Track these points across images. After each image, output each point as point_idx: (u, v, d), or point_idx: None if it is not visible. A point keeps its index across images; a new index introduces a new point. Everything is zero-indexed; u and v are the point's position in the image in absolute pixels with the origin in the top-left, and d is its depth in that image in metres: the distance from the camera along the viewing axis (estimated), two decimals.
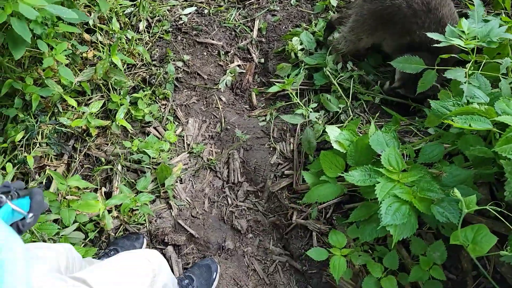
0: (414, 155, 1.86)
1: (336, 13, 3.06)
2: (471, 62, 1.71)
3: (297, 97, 2.46)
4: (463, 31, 1.74)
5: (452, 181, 1.63)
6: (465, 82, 1.64)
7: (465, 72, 1.68)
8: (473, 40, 1.70)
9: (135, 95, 2.84)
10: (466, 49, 1.72)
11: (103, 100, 2.72)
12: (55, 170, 2.49)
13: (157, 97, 2.98)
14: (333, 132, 1.91)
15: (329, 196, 1.94)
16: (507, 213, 1.38)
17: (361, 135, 1.94)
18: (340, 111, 2.44)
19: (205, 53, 3.25)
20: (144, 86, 2.97)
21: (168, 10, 3.43)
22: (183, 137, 2.81)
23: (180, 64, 3.15)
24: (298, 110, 2.36)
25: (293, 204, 2.40)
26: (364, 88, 2.61)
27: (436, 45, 1.88)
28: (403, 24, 2.34)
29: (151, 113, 2.83)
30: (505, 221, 1.36)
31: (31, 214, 1.05)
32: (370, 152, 1.82)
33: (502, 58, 1.93)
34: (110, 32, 2.97)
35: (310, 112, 2.34)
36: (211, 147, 2.78)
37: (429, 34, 1.85)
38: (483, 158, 1.58)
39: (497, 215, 1.34)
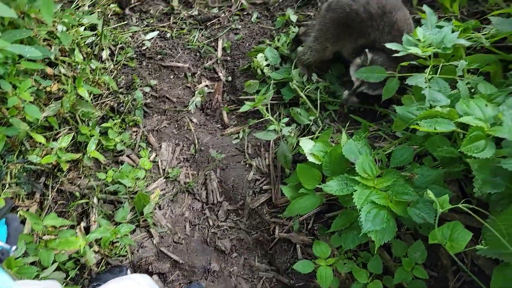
0: (386, 159, 1.93)
1: (301, 27, 3.15)
2: (429, 68, 1.81)
3: (269, 113, 2.50)
4: (419, 39, 1.84)
5: (424, 182, 1.70)
6: (426, 87, 1.72)
7: (425, 78, 1.76)
8: (430, 48, 1.79)
9: (104, 125, 2.81)
10: (424, 56, 1.82)
11: (72, 133, 2.67)
12: (28, 210, 2.41)
13: (127, 125, 2.95)
14: (307, 145, 1.95)
15: (309, 208, 1.97)
16: (477, 209, 1.45)
17: (334, 145, 1.99)
18: (311, 123, 2.50)
19: (171, 77, 3.25)
20: (113, 115, 2.94)
21: (130, 36, 3.42)
22: (158, 162, 2.80)
23: (147, 89, 3.14)
24: (271, 126, 2.40)
25: (274, 219, 2.42)
26: (331, 98, 2.68)
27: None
28: (360, 28, 2.48)
29: (123, 141, 2.81)
30: (476, 217, 1.43)
31: (14, 247, 1.03)
32: (345, 161, 1.87)
33: (457, 60, 2.04)
34: (73, 64, 2.93)
35: (283, 127, 2.38)
36: (187, 170, 2.77)
37: (388, 45, 1.94)
38: (451, 158, 1.65)
39: (468, 211, 1.41)
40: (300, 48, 2.97)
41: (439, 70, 1.89)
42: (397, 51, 1.88)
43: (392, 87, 1.96)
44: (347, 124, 2.48)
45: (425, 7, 2.12)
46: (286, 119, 2.46)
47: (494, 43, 2.20)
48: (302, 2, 3.59)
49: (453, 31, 1.88)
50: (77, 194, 2.56)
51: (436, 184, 1.67)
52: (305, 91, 2.66)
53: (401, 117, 1.83)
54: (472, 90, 1.81)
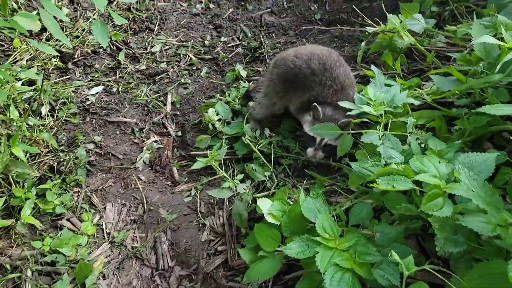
0: (345, 217, 1.89)
1: (251, 83, 3.19)
2: (381, 125, 1.85)
3: (222, 169, 2.42)
4: (370, 98, 1.90)
5: (385, 239, 1.67)
6: (380, 145, 1.75)
7: (378, 135, 1.79)
8: (381, 106, 1.85)
9: (42, 186, 2.58)
10: (376, 115, 1.86)
11: (4, 197, 2.42)
12: None
13: (68, 185, 2.73)
14: (265, 205, 1.88)
15: (269, 272, 1.86)
16: (441, 269, 1.43)
17: (292, 204, 1.94)
18: (266, 179, 2.44)
19: (118, 132, 3.10)
20: (53, 175, 2.71)
21: (73, 91, 3.27)
22: (102, 225, 2.57)
23: (91, 146, 2.96)
24: (225, 183, 2.31)
25: (231, 283, 2.27)
26: (285, 153, 2.67)
27: (337, 102, 2.12)
28: (303, 83, 2.57)
29: (63, 203, 2.57)
30: (441, 277, 1.40)
31: None
32: (304, 220, 1.81)
33: (403, 115, 2.12)
34: (8, 121, 2.71)
35: (237, 184, 2.31)
36: (134, 233, 2.57)
37: (341, 103, 1.98)
38: (409, 215, 1.65)
39: (434, 272, 1.38)
40: (250, 103, 2.98)
41: (389, 126, 1.94)
42: (349, 109, 1.91)
43: (346, 144, 1.98)
44: (305, 181, 2.45)
45: (373, 67, 2.22)
46: (241, 176, 2.38)
47: (435, 99, 2.33)
48: (250, 58, 3.66)
49: (402, 91, 1.96)
50: (8, 266, 2.26)
51: (397, 242, 1.65)
52: (259, 146, 2.63)
53: (357, 173, 1.83)
54: (422, 146, 1.87)
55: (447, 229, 1.40)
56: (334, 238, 1.65)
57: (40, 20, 1.98)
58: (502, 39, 1.84)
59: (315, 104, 2.41)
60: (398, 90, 1.91)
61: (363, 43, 2.79)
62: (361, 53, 2.83)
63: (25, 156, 2.57)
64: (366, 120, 2.13)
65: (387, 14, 2.66)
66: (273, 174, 2.49)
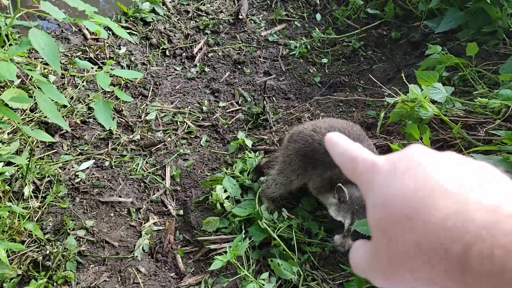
0: None
1: (263, 157, 2.95)
2: None
3: (244, 267, 2.10)
4: None
5: None
6: None
7: None
8: None
9: None
10: None
11: None
12: None
13: (55, 283, 2.33)
14: None
15: None
16: None
17: None
18: (295, 276, 2.12)
19: (112, 214, 2.75)
20: (37, 273, 2.31)
21: (60, 167, 2.92)
22: None
23: (82, 233, 2.59)
24: (248, 285, 1.98)
25: None
26: (307, 237, 2.38)
27: None
28: (324, 159, 2.32)
29: None
30: None
31: None
32: None
33: None
34: None
35: (262, 285, 1.98)
36: None
37: None
38: None
39: None
40: (262, 179, 2.72)
41: None
42: None
43: None
44: (334, 273, 2.15)
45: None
46: (266, 274, 2.06)
47: None
48: (252, 124, 3.45)
49: None
50: None
51: None
52: (278, 231, 2.34)
53: None
54: None
55: None
56: None
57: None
58: None
59: (339, 184, 2.16)
60: None
61: (382, 113, 2.62)
62: (380, 124, 2.66)
63: (6, 253, 2.18)
64: None
65: (407, 84, 2.52)
66: (299, 267, 2.18)
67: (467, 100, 2.80)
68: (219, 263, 1.93)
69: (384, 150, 2.73)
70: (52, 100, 1.81)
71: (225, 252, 2.00)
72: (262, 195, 2.59)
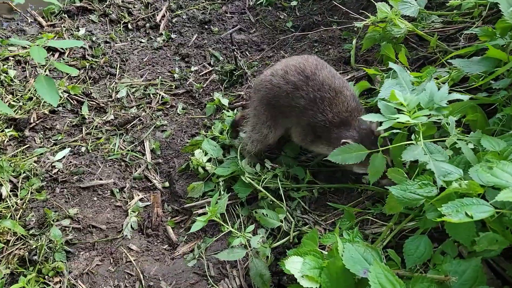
0: (399, 259, 1.48)
1: (237, 112, 2.80)
2: (420, 135, 1.45)
3: (228, 224, 1.99)
4: (400, 103, 1.50)
5: (464, 282, 1.26)
6: (430, 160, 1.35)
7: (422, 148, 1.40)
8: (420, 112, 1.45)
9: (15, 286, 2.10)
10: (411, 123, 1.46)
11: None
12: None
13: (46, 276, 2.25)
14: (295, 265, 1.45)
15: None
16: None
17: (327, 255, 1.51)
18: (283, 224, 2.01)
19: (95, 198, 2.65)
20: (25, 270, 2.23)
21: (35, 161, 2.81)
22: None
23: (66, 222, 2.50)
24: (235, 240, 1.87)
25: None
26: (294, 183, 2.26)
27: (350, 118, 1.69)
28: (290, 104, 2.16)
29: None
30: None
31: None
32: (350, 275, 1.39)
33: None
34: None
35: (249, 238, 1.87)
36: None
37: (365, 117, 1.58)
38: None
39: None
40: (242, 134, 2.58)
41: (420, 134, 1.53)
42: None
43: (379, 165, 1.57)
44: (326, 214, 2.04)
45: (392, 65, 1.80)
46: (252, 227, 1.94)
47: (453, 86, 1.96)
48: (228, 83, 3.28)
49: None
50: None
51: (479, 280, 1.24)
52: (263, 182, 2.21)
53: (400, 199, 1.42)
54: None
55: None
56: None
57: None
58: None
59: (344, 141, 1.91)
60: (434, 87, 1.52)
61: (353, 41, 2.43)
62: (353, 52, 2.47)
63: None
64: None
65: (375, 2, 2.32)
66: (287, 213, 2.07)
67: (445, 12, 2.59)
68: (199, 224, 1.82)
69: (364, 80, 2.55)
70: None
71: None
72: (243, 152, 2.46)
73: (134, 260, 2.32)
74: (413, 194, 1.40)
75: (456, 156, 1.45)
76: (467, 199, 1.16)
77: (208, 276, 2.14)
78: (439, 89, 1.54)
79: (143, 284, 2.20)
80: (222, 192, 2.25)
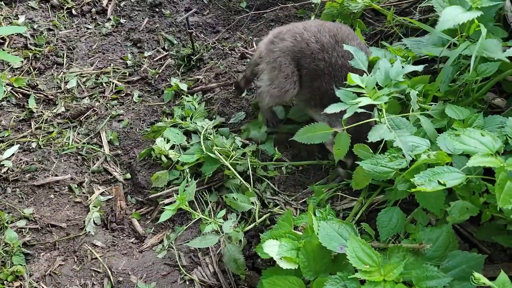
0: (373, 232, 1.50)
1: (239, 74, 2.72)
2: (383, 113, 1.46)
3: (197, 210, 1.93)
4: (359, 86, 1.48)
5: (437, 248, 1.29)
6: (396, 137, 1.36)
7: (387, 126, 1.40)
8: (381, 91, 1.44)
9: None
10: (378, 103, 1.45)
11: None
12: None
13: (5, 282, 2.11)
14: (272, 248, 1.43)
15: None
16: None
17: (303, 234, 1.50)
18: (254, 206, 1.98)
19: (52, 196, 2.50)
20: None
21: None
22: None
23: (22, 223, 2.35)
24: (207, 227, 1.83)
25: None
26: (261, 161, 2.23)
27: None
28: (308, 65, 2.08)
29: None
30: None
31: None
32: (326, 252, 1.39)
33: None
34: None
35: (221, 223, 1.83)
36: None
37: (326, 110, 1.55)
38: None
39: None
40: (258, 91, 2.44)
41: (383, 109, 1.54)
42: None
43: (343, 144, 1.56)
44: (296, 193, 2.04)
45: (347, 47, 1.78)
46: (223, 212, 1.90)
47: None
48: (185, 67, 3.18)
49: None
50: None
51: (451, 246, 1.28)
52: (231, 159, 2.16)
53: (371, 173, 1.44)
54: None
55: None
56: (377, 267, 1.25)
57: None
58: None
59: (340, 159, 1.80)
60: (388, 64, 1.52)
61: (312, 18, 2.41)
62: None
63: None
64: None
65: None
66: (257, 195, 2.05)
67: None
68: (168, 213, 1.76)
69: None
70: None
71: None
72: (259, 106, 2.44)
73: (100, 257, 2.22)
74: (383, 167, 1.41)
75: (421, 127, 1.48)
76: (438, 168, 1.18)
77: (180, 266, 2.09)
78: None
79: (112, 280, 2.12)
80: (189, 180, 2.18)
